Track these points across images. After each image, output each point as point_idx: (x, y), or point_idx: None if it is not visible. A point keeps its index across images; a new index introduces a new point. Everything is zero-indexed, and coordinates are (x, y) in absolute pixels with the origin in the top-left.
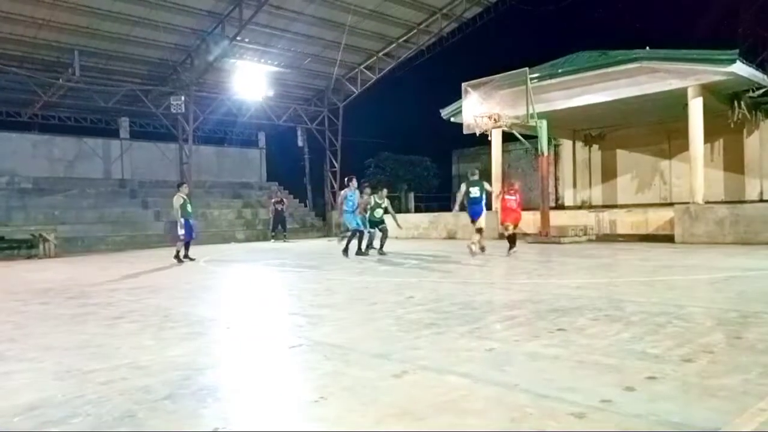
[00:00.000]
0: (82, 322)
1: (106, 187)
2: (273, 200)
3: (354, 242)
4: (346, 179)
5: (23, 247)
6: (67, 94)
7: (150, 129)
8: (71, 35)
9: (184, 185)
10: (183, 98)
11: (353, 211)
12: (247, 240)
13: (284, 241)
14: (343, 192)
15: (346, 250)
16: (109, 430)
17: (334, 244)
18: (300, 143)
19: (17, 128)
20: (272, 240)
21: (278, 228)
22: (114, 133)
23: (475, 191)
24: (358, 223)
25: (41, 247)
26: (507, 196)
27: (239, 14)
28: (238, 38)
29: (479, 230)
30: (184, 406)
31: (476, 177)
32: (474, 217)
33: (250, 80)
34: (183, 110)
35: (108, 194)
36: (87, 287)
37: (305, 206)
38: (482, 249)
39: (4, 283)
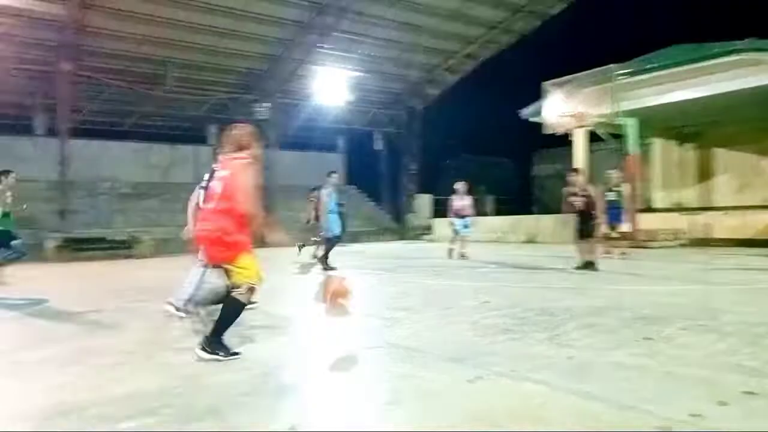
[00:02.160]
0: (173, 319)
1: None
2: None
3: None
4: (328, 173)
5: (122, 248)
6: (162, 104)
7: None
8: (166, 48)
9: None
10: (267, 105)
11: (338, 213)
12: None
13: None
14: (324, 190)
15: (325, 259)
16: (196, 422)
17: (413, 248)
18: (378, 146)
19: (118, 137)
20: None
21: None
22: (204, 140)
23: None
24: (339, 229)
25: (138, 247)
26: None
27: (321, 21)
28: (320, 45)
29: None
30: (263, 403)
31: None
32: (613, 221)
33: (331, 86)
34: (267, 117)
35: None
36: (179, 284)
37: (382, 209)
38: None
39: (108, 282)
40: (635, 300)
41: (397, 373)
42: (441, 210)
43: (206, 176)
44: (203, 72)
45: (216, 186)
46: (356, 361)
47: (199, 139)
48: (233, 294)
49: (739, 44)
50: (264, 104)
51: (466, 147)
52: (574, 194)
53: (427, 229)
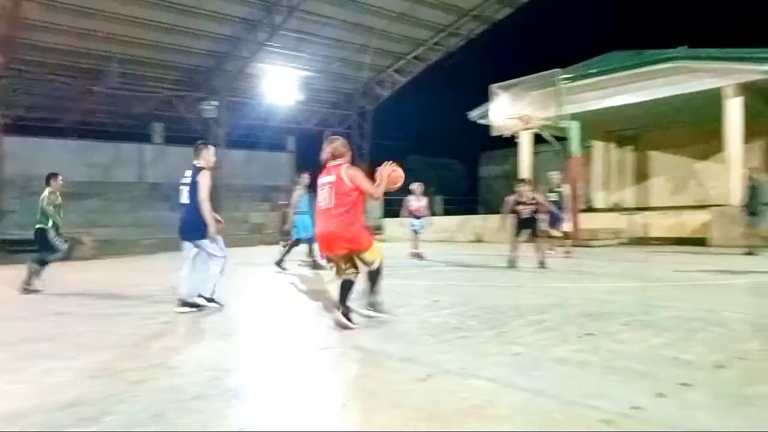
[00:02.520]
0: (116, 323)
1: (140, 191)
2: (281, 203)
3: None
4: (297, 173)
5: None
6: (104, 101)
7: (182, 134)
8: (110, 43)
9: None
10: (215, 103)
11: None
12: (274, 243)
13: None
14: (295, 191)
15: (315, 264)
16: (139, 430)
17: None
18: None
19: (58, 135)
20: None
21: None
22: (148, 139)
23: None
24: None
25: (77, 249)
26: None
27: (270, 20)
28: (269, 43)
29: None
30: (212, 406)
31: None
32: (555, 221)
33: (280, 85)
34: (215, 115)
35: (141, 198)
36: (121, 288)
37: None
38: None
39: (46, 286)
40: (578, 297)
41: (347, 373)
42: (391, 210)
43: (188, 173)
44: (148, 68)
45: (326, 190)
46: (307, 362)
47: (143, 137)
48: (372, 269)
49: (674, 52)
50: (211, 102)
51: (415, 148)
52: (523, 203)
53: (378, 229)
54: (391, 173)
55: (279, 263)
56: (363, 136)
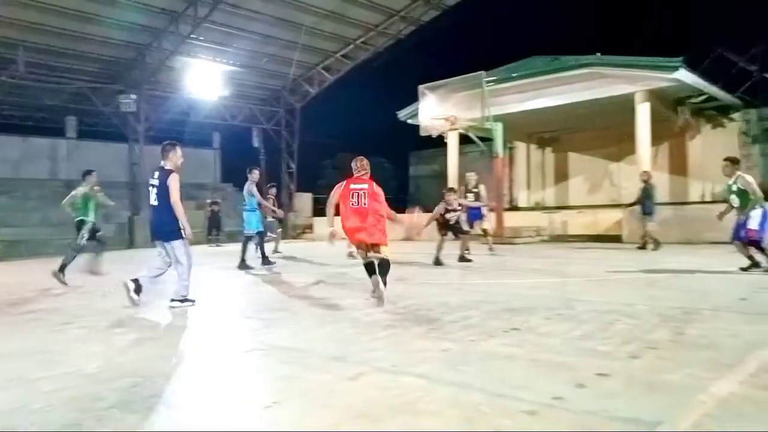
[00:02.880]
0: (29, 329)
1: (52, 189)
2: (208, 201)
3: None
4: (248, 169)
5: None
6: (11, 92)
7: (99, 128)
8: (17, 30)
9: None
10: (134, 97)
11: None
12: (200, 242)
13: (217, 245)
14: (246, 187)
15: (265, 258)
16: None
17: (293, 247)
18: (255, 144)
19: None
20: (211, 244)
21: (213, 231)
22: (61, 133)
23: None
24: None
25: None
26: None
27: (194, 12)
28: (193, 36)
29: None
30: (134, 414)
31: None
32: (474, 219)
33: (205, 79)
34: (134, 109)
35: (54, 196)
36: (33, 292)
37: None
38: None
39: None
40: (504, 293)
41: (277, 374)
42: (322, 209)
43: (156, 174)
44: (62, 59)
45: (360, 194)
46: (234, 364)
47: (56, 131)
48: (383, 258)
49: (588, 59)
50: (130, 96)
51: (344, 146)
52: (453, 210)
53: (308, 228)
54: (414, 222)
55: (241, 265)
56: (291, 133)
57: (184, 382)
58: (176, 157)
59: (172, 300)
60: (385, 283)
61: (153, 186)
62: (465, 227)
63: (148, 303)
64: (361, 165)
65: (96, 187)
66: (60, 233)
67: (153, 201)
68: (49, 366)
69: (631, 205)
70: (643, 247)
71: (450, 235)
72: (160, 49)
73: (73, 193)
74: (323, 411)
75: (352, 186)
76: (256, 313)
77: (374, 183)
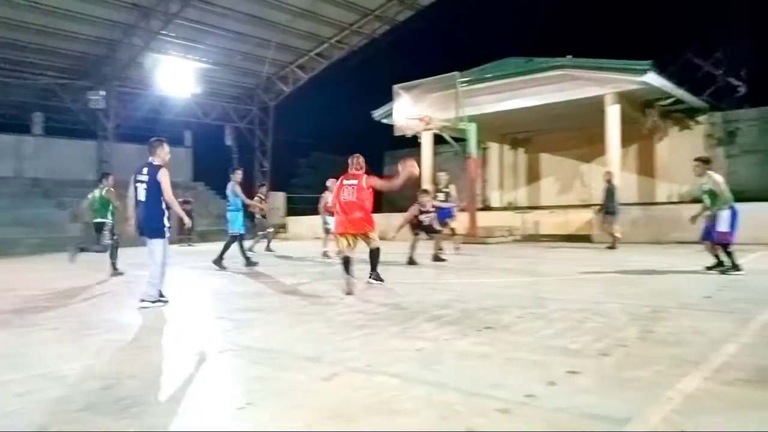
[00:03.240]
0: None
1: (19, 187)
2: (180, 200)
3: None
4: (232, 170)
5: None
6: None
7: (67, 125)
8: None
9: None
10: (103, 93)
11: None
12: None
13: (188, 245)
14: (230, 188)
15: (248, 259)
16: None
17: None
18: (228, 142)
19: None
20: (182, 243)
21: (185, 231)
22: (27, 130)
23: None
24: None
25: None
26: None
27: (165, 8)
28: (164, 32)
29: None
30: (105, 417)
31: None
32: (444, 218)
33: (177, 76)
34: (103, 106)
35: (21, 194)
36: (2, 292)
37: None
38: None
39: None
40: (477, 292)
41: (250, 375)
42: (295, 208)
43: (144, 170)
44: (29, 53)
45: (350, 189)
46: (207, 365)
47: (22, 128)
48: (373, 246)
49: (559, 61)
50: (99, 92)
51: (319, 145)
52: (427, 212)
53: (282, 227)
54: (407, 167)
55: (217, 261)
56: (265, 132)
57: (155, 384)
58: (164, 152)
59: (142, 300)
60: (374, 267)
61: (141, 182)
62: (437, 227)
63: (121, 305)
64: (356, 162)
65: (111, 189)
66: (29, 233)
67: (141, 197)
68: (19, 368)
69: (599, 207)
70: (611, 245)
71: (423, 234)
72: (130, 45)
73: (89, 195)
74: (297, 411)
75: (345, 182)
76: (228, 314)
77: (366, 178)
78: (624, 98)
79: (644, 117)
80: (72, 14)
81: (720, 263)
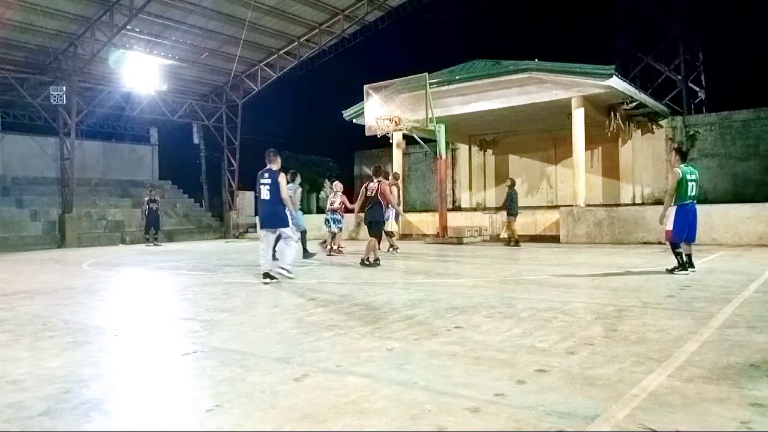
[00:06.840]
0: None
1: None
2: (146, 199)
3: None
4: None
5: None
6: None
7: (26, 121)
8: None
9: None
10: (64, 88)
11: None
12: (138, 241)
13: (155, 245)
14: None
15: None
16: None
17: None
18: (196, 140)
19: None
20: (148, 243)
21: (151, 230)
22: None
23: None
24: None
25: None
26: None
27: (129, 2)
28: (129, 27)
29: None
30: (65, 422)
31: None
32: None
33: (142, 72)
34: (64, 101)
35: None
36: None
37: (201, 206)
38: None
39: None
40: (447, 292)
41: (219, 377)
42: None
43: (266, 175)
44: None
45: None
46: (174, 367)
47: None
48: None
49: (525, 64)
50: (60, 87)
51: (288, 144)
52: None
53: (251, 227)
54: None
55: (305, 255)
56: (233, 130)
57: (119, 388)
58: (279, 160)
59: (281, 268)
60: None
61: (265, 184)
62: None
63: (83, 305)
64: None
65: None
66: None
67: (265, 196)
68: None
69: (499, 208)
70: (515, 243)
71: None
72: (93, 40)
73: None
74: (266, 413)
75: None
76: (195, 315)
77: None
78: (589, 102)
79: (609, 120)
80: (31, 6)
81: (683, 263)
